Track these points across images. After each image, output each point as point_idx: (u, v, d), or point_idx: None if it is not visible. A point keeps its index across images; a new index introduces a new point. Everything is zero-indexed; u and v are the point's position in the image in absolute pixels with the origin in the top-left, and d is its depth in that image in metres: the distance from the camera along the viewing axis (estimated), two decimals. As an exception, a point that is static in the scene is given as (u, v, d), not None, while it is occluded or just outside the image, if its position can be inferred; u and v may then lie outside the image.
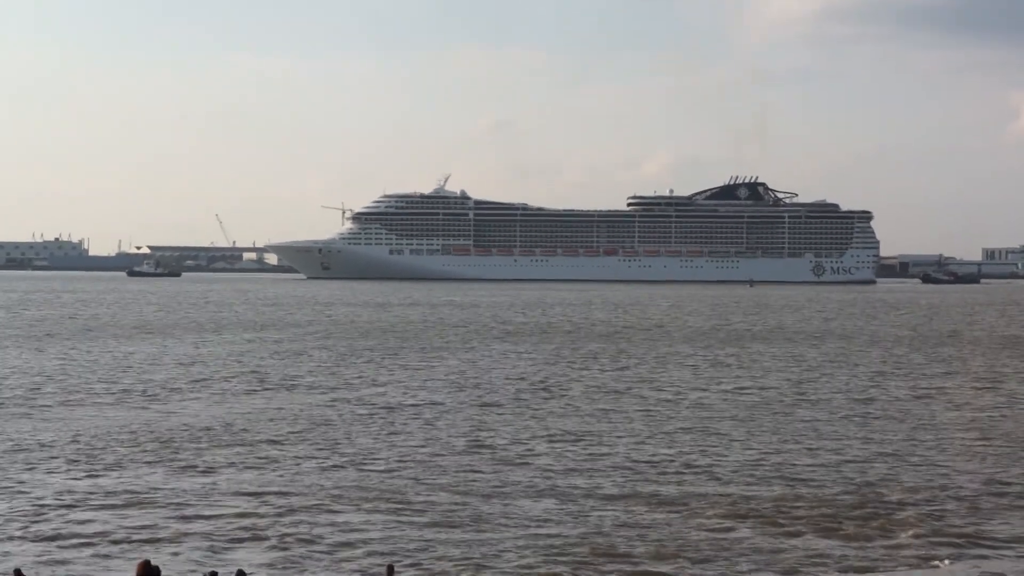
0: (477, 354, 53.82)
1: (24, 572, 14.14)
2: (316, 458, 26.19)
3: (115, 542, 19.10)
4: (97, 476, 23.96)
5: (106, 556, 18.40)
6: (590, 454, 27.09)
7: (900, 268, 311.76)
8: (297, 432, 29.85)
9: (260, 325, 75.37)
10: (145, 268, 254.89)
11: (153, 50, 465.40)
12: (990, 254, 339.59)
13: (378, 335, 66.29)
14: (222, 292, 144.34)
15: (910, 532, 20.14)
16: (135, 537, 19.37)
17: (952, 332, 74.39)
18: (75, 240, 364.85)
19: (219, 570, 15.21)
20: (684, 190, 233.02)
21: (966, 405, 36.83)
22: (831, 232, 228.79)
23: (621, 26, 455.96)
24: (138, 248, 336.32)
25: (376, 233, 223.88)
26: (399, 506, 21.60)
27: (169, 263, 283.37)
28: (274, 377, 42.93)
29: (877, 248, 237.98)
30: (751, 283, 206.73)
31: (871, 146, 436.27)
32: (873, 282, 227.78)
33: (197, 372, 44.51)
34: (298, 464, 25.51)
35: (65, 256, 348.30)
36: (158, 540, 19.18)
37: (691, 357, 53.59)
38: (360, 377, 43.34)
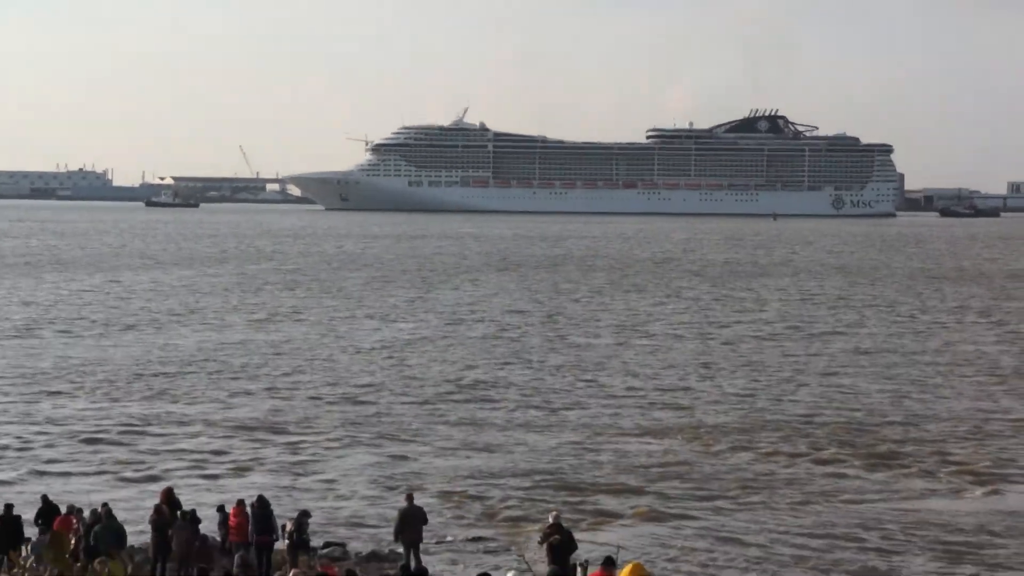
0: (484, 287, 53.95)
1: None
2: (314, 391, 26.54)
3: (123, 474, 19.47)
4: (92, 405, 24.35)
5: (124, 483, 18.79)
6: (595, 384, 27.37)
7: (925, 202, 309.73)
8: (294, 366, 30.18)
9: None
10: (163, 198, 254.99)
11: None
12: (1016, 188, 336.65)
13: (383, 267, 66.45)
14: (193, 224, 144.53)
15: (926, 464, 20.36)
16: (147, 469, 19.75)
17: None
18: (99, 171, 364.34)
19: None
20: (704, 124, 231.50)
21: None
22: (851, 165, 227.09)
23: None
24: (162, 179, 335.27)
25: (395, 165, 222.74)
26: (401, 438, 21.96)
27: (188, 194, 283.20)
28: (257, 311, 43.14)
29: (898, 181, 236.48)
30: (775, 216, 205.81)
31: (896, 77, 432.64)
32: (893, 215, 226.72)
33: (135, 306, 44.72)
34: (295, 397, 25.86)
35: (89, 186, 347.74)
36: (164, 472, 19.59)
37: (697, 290, 53.70)
38: (357, 309, 43.54)
